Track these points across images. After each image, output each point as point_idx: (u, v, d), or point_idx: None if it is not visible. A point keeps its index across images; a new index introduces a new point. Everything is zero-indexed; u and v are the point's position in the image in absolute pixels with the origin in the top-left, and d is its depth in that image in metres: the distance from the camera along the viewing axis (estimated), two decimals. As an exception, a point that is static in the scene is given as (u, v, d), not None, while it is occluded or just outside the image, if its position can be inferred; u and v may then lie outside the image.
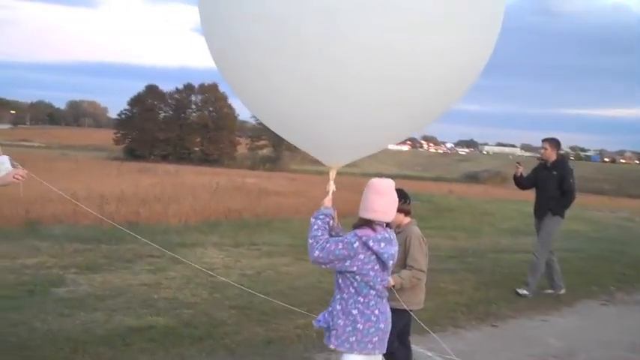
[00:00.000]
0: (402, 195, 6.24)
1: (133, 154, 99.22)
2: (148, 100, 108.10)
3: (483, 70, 5.51)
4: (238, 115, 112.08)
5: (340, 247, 4.76)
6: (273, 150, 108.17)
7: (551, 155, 11.83)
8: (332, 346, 4.97)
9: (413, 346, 7.13)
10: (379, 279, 4.88)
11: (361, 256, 4.78)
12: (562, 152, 12.17)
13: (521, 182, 12.27)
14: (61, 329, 7.85)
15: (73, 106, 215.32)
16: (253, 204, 24.49)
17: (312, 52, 4.53)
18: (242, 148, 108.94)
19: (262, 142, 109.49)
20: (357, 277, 4.83)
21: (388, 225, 5.03)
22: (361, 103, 4.87)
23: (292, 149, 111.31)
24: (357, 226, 4.89)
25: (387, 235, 4.88)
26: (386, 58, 4.56)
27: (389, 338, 5.50)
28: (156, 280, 10.92)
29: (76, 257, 12.30)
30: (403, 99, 4.96)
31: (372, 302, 4.89)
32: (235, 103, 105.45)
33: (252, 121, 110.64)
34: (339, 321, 4.91)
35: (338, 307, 4.95)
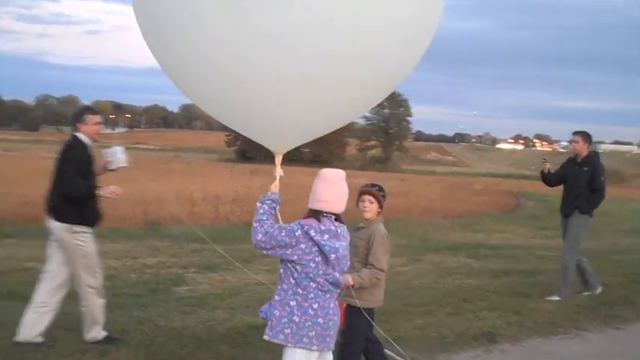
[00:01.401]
0: (383, 189, 6.36)
1: (244, 155, 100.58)
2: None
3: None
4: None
5: (283, 233, 4.65)
6: (383, 150, 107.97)
7: (583, 150, 10.86)
8: (266, 337, 4.84)
9: None
10: (320, 271, 4.71)
11: (302, 246, 4.67)
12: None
13: (549, 179, 11.32)
14: (184, 327, 7.99)
15: (186, 109, 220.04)
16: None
17: (262, 38, 4.52)
18: (351, 149, 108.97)
19: (372, 143, 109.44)
20: (298, 267, 4.71)
21: (339, 219, 4.91)
22: (304, 86, 4.82)
23: (403, 150, 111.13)
24: (304, 217, 4.81)
25: (332, 228, 4.76)
26: (327, 37, 4.53)
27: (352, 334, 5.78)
28: (274, 280, 10.99)
29: (195, 257, 12.56)
30: (346, 80, 4.88)
31: (312, 295, 4.73)
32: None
33: (362, 122, 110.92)
34: (275, 312, 4.77)
35: (277, 297, 4.82)
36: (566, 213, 10.97)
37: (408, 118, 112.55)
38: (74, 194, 6.95)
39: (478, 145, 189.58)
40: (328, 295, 4.79)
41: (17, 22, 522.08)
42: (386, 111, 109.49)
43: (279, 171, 5.50)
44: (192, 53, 4.88)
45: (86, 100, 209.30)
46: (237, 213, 19.12)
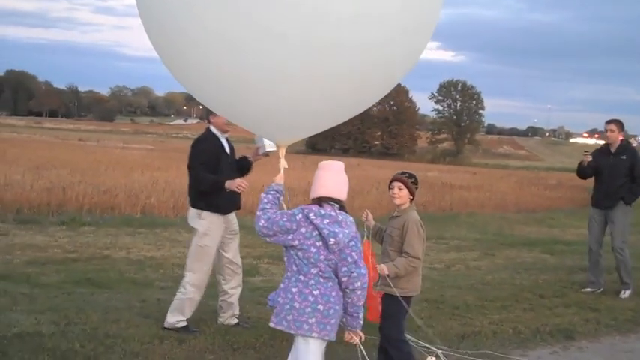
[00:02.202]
0: (416, 179, 6.27)
1: (314, 147, 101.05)
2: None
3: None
4: (419, 108, 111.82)
5: (285, 219, 4.73)
6: (454, 144, 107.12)
7: (617, 139, 10.45)
8: (271, 324, 4.87)
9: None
10: (322, 256, 4.72)
11: (303, 230, 4.70)
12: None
13: (585, 172, 10.71)
14: (260, 317, 8.04)
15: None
16: (438, 198, 24.34)
17: (259, 29, 4.39)
18: (422, 142, 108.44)
19: (443, 136, 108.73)
20: (299, 253, 4.74)
21: (343, 209, 4.90)
22: (305, 78, 4.73)
23: (474, 143, 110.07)
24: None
25: (332, 214, 4.76)
26: (329, 28, 4.42)
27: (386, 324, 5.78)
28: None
29: (268, 248, 12.62)
30: (348, 71, 4.77)
31: (312, 281, 4.74)
32: (417, 96, 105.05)
33: (433, 115, 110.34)
34: (279, 299, 4.82)
35: (281, 285, 4.88)
36: (607, 205, 10.52)
37: (481, 112, 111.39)
38: (201, 189, 7.29)
39: (552, 139, 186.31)
40: (330, 283, 4.79)
41: (94, 15, 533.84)
42: (458, 104, 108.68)
43: (282, 163, 5.48)
44: (189, 45, 4.83)
45: (159, 92, 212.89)
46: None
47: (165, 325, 7.31)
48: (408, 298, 6.19)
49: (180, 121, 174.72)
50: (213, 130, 7.44)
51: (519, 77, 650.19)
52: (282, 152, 5.58)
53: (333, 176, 4.90)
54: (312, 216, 4.69)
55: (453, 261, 12.71)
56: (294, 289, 4.76)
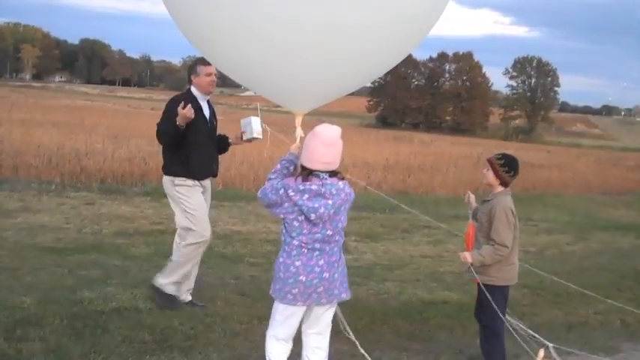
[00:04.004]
0: (513, 164, 5.93)
1: (384, 121, 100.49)
2: (401, 67, 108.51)
3: None
4: (492, 84, 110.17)
5: (273, 192, 4.69)
6: (527, 121, 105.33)
7: None
8: (270, 292, 4.89)
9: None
10: (305, 230, 4.67)
11: (286, 204, 4.66)
12: None
13: None
14: (357, 298, 7.80)
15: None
16: (519, 177, 23.71)
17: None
18: (494, 119, 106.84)
19: (516, 113, 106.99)
20: (286, 225, 4.74)
21: (336, 175, 4.74)
22: (323, 44, 4.66)
23: (548, 121, 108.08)
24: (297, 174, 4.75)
25: (313, 188, 4.62)
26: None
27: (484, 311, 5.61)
28: (437, 253, 10.75)
29: (354, 225, 12.36)
30: (364, 41, 4.72)
31: (295, 252, 4.70)
32: (490, 71, 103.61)
33: (506, 91, 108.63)
34: (275, 267, 4.87)
35: (278, 254, 4.88)
36: None
37: (556, 89, 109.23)
38: (161, 142, 6.91)
39: (627, 118, 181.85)
40: (316, 253, 4.71)
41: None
42: (532, 80, 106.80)
43: (299, 132, 5.31)
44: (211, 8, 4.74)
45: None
46: (389, 181, 18.88)
47: (155, 285, 7.04)
48: (501, 288, 5.93)
49: (251, 93, 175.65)
50: (194, 90, 6.96)
51: (594, 54, 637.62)
52: (298, 120, 5.42)
53: (326, 150, 4.68)
54: (290, 192, 4.62)
55: (546, 245, 12.30)
56: (280, 259, 4.80)
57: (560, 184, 23.09)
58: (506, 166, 5.89)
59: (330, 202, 4.62)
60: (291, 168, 4.95)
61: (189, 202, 6.88)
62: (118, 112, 53.24)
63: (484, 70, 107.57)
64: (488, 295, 5.76)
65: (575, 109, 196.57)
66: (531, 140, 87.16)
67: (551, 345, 6.11)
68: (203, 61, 6.89)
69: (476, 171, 23.47)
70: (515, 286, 8.85)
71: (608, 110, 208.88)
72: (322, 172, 4.67)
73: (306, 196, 4.59)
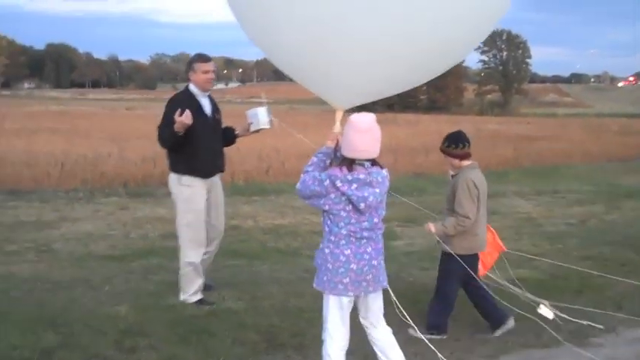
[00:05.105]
0: (457, 139, 6.21)
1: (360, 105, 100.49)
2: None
3: None
4: (464, 60, 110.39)
5: (316, 183, 4.66)
6: (502, 94, 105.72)
7: None
8: (314, 285, 4.88)
9: None
10: (353, 220, 4.67)
11: (332, 196, 4.63)
12: None
13: None
14: (423, 282, 7.87)
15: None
16: (520, 152, 23.77)
17: None
18: (468, 94, 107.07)
19: (490, 87, 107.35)
20: (331, 216, 4.71)
21: (377, 164, 4.76)
22: (370, 43, 4.69)
23: (522, 93, 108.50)
24: (338, 165, 4.77)
25: (360, 177, 4.61)
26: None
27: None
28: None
29: (390, 210, 12.35)
30: (411, 46, 4.75)
31: (343, 242, 4.70)
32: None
33: (479, 66, 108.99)
34: (318, 260, 4.84)
35: (320, 246, 4.87)
36: None
37: (527, 61, 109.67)
38: (162, 146, 6.90)
39: (597, 84, 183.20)
40: (364, 241, 4.73)
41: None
42: (504, 54, 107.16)
43: (337, 127, 5.26)
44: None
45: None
46: (403, 164, 18.95)
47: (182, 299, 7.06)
48: (466, 257, 6.16)
49: (221, 86, 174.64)
50: (192, 88, 6.94)
51: (559, 23, 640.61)
52: (338, 115, 5.37)
53: (361, 137, 4.65)
54: (338, 183, 4.59)
55: (584, 215, 12.37)
56: (326, 250, 4.76)
57: (564, 155, 23.22)
58: (453, 143, 6.18)
59: (377, 190, 4.64)
60: (328, 161, 4.97)
61: (192, 207, 6.90)
62: (99, 114, 52.81)
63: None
64: (464, 263, 6.07)
65: (545, 80, 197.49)
66: (507, 113, 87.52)
67: (545, 302, 6.26)
68: (200, 58, 6.93)
69: (479, 146, 23.63)
70: (578, 257, 8.93)
71: (577, 78, 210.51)
72: (363, 160, 4.66)
73: (355, 185, 4.58)
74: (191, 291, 7.00)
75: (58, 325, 6.19)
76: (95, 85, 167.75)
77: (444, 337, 6.26)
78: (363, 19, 4.55)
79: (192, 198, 6.89)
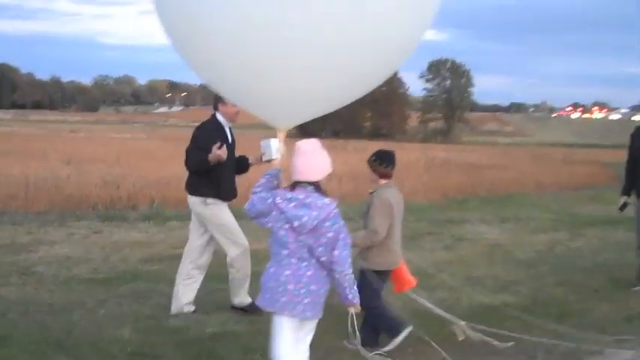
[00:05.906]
0: (386, 157, 6.62)
1: (305, 131, 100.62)
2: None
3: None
4: (408, 88, 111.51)
5: (261, 201, 4.88)
6: (445, 122, 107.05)
7: None
8: (256, 302, 5.06)
9: None
10: (291, 239, 4.80)
11: (274, 213, 4.82)
12: None
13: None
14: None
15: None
16: (473, 180, 24.08)
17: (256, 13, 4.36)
18: (412, 121, 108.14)
19: (433, 115, 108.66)
20: (274, 234, 4.87)
21: (320, 190, 4.86)
22: (306, 63, 4.69)
23: (465, 121, 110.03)
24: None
25: (300, 197, 4.80)
26: (328, 21, 4.41)
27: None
28: (457, 258, 11.03)
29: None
30: (347, 60, 4.75)
31: (284, 262, 4.84)
32: (406, 77, 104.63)
33: (423, 94, 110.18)
34: (263, 278, 4.98)
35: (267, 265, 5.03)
36: None
37: (470, 89, 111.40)
38: (189, 169, 7.48)
39: (536, 114, 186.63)
40: (305, 264, 4.83)
41: (73, 4, 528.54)
42: (448, 82, 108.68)
43: (280, 148, 5.57)
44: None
45: (142, 80, 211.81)
46: (361, 191, 19.09)
47: (236, 304, 7.69)
48: (381, 273, 6.54)
49: (164, 109, 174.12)
50: (220, 118, 7.49)
51: (500, 54, 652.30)
52: (281, 136, 5.55)
53: (304, 160, 4.86)
54: (278, 200, 4.80)
55: (550, 242, 12.64)
56: (271, 270, 4.91)
57: (516, 184, 23.60)
58: (380, 160, 6.59)
59: (314, 213, 4.75)
60: (275, 182, 5.14)
61: (222, 217, 7.45)
62: (46, 136, 51.85)
63: (400, 74, 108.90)
64: (378, 279, 6.45)
65: (484, 108, 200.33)
66: (450, 141, 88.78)
67: (462, 322, 6.63)
68: None
69: (428, 175, 24.00)
70: (552, 285, 9.19)
71: (516, 107, 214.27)
72: (304, 182, 4.83)
73: (293, 204, 4.77)
74: (242, 296, 7.66)
75: (67, 348, 6.24)
76: (37, 106, 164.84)
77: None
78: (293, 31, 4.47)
79: (220, 212, 7.44)
